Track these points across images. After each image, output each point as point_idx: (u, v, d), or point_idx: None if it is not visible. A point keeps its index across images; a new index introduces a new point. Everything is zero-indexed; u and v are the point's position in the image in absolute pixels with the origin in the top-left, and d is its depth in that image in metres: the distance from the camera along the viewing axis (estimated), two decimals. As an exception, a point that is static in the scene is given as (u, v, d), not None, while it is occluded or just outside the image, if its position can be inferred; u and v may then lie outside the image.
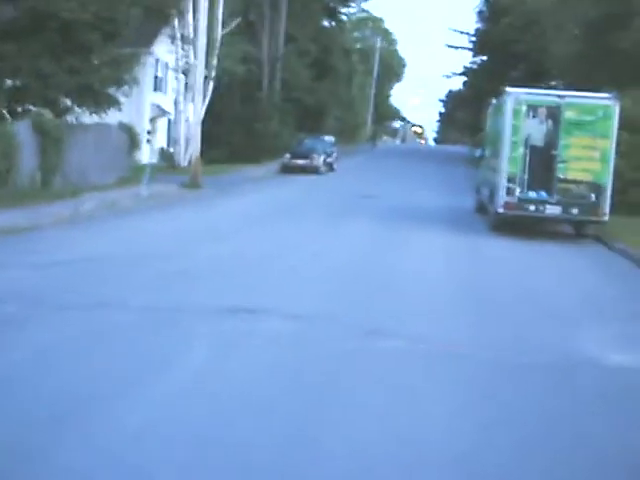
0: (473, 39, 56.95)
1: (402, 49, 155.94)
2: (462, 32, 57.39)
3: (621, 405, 5.69)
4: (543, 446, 4.71)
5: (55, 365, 5.84)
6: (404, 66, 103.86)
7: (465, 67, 61.67)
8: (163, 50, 36.54)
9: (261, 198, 22.34)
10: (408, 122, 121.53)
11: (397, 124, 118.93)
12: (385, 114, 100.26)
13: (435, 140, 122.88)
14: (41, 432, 4.50)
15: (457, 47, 59.09)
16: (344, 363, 6.32)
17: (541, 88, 39.18)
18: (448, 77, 64.89)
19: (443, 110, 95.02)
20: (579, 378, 6.24)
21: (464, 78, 62.98)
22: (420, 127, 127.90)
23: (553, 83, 47.81)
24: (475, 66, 59.02)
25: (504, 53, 51.94)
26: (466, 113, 64.43)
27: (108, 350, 6.34)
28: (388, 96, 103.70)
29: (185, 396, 5.35)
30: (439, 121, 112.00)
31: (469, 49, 58.15)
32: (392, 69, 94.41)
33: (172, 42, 34.26)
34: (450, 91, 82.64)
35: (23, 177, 18.54)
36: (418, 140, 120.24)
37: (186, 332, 6.94)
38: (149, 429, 4.68)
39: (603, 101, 15.42)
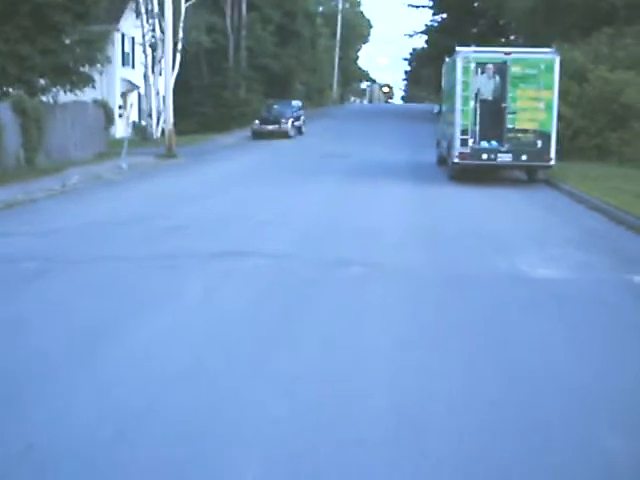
0: (433, -3, 57.88)
1: (367, 10, 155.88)
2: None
3: (540, 300, 7.22)
4: (481, 334, 6.13)
5: (73, 304, 7.15)
6: (370, 27, 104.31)
7: (426, 25, 62.57)
8: (129, 25, 37.32)
9: (234, 164, 23.56)
10: (375, 82, 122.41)
11: (365, 85, 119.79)
12: (352, 76, 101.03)
13: (403, 98, 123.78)
14: (66, 354, 5.82)
15: (417, 6, 59.99)
16: (315, 285, 7.78)
17: (500, 44, 40.49)
18: (410, 36, 65.35)
19: (409, 69, 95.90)
20: (511, 287, 7.72)
21: (426, 37, 63.85)
22: (388, 87, 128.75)
23: (512, 37, 49.14)
24: (436, 24, 59.97)
25: (463, 10, 53.04)
26: (430, 71, 65.52)
27: (116, 289, 7.68)
28: (355, 58, 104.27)
29: (190, 312, 6.82)
30: (405, 80, 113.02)
31: (429, 7, 59.10)
32: (357, 30, 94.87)
33: (137, 17, 35.07)
34: (414, 49, 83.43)
35: (8, 157, 19.56)
36: (385, 100, 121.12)
37: (181, 272, 8.33)
38: (159, 340, 6.05)
39: (545, 55, 16.78)
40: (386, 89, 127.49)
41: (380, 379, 5.14)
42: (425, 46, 67.11)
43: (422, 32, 63.30)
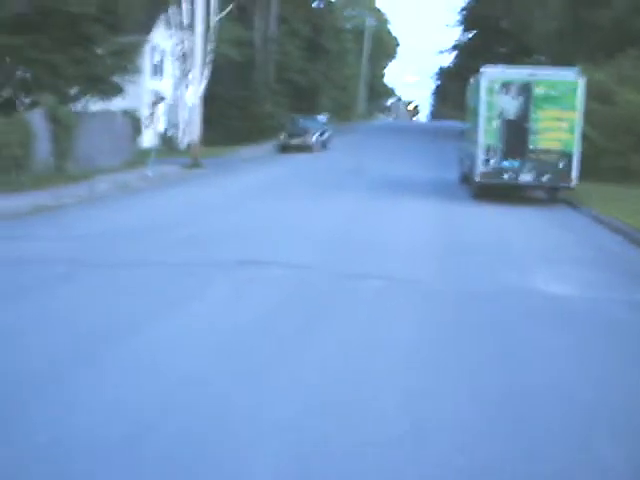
0: (463, 14, 58.25)
1: (394, 28, 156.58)
2: (453, 9, 58.70)
3: (549, 315, 7.45)
4: (489, 340, 6.33)
5: (101, 304, 7.44)
6: (397, 45, 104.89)
7: (455, 43, 62.94)
8: (160, 37, 37.89)
9: (258, 176, 23.88)
10: (401, 99, 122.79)
11: (390, 101, 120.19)
12: (379, 92, 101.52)
13: (431, 115, 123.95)
14: (95, 345, 6.11)
15: (448, 25, 60.44)
16: (333, 295, 8.05)
17: (527, 63, 40.62)
18: (440, 53, 65.81)
19: (437, 86, 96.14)
20: (520, 302, 7.92)
21: (454, 54, 64.22)
22: (412, 104, 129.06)
23: (539, 57, 49.21)
24: (464, 42, 60.29)
25: (491, 29, 53.29)
26: (457, 88, 65.74)
27: (142, 292, 7.98)
28: (382, 75, 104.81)
29: (211, 314, 7.16)
30: (433, 96, 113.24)
31: (460, 23, 59.48)
32: (385, 47, 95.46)
33: (168, 29, 35.68)
34: (442, 67, 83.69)
35: (39, 163, 20.01)
36: (411, 117, 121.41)
37: (204, 279, 8.61)
38: (184, 337, 6.36)
39: (569, 76, 16.93)
40: (411, 106, 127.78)
41: (392, 379, 5.47)
42: (453, 64, 67.50)
43: (451, 49, 63.75)
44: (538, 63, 42.37)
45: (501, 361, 6.01)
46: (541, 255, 10.83)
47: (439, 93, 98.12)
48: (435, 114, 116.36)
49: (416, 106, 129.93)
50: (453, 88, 75.05)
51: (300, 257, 10.03)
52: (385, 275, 9.01)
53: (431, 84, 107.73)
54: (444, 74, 79.35)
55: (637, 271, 9.94)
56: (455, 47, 62.05)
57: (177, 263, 9.42)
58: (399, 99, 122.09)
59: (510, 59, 49.08)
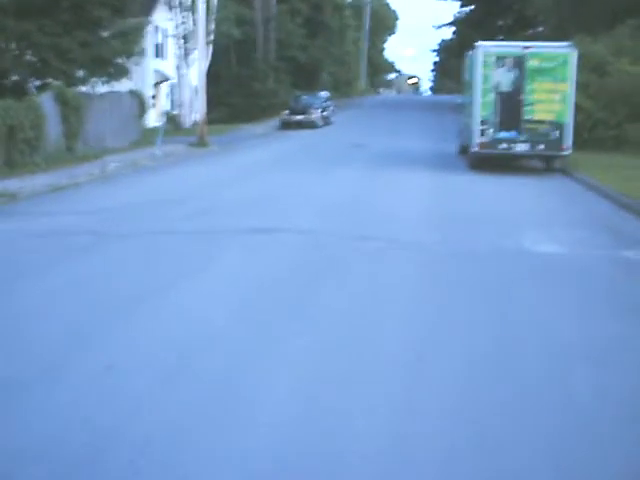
0: (460, -11, 58.31)
1: (394, 1, 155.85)
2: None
3: (538, 271, 8.17)
4: (481, 291, 7.05)
5: (129, 268, 8.20)
6: (397, 19, 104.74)
7: (454, 17, 63.00)
8: (161, 17, 38.35)
9: (264, 152, 24.54)
10: (402, 74, 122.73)
11: (392, 76, 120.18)
12: (380, 67, 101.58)
13: (431, 89, 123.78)
14: (124, 308, 6.84)
15: (445, -1, 60.54)
16: (341, 255, 8.85)
17: (526, 36, 40.86)
18: (438, 28, 65.95)
19: (438, 60, 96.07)
20: (512, 260, 8.65)
21: (454, 28, 64.28)
22: (414, 78, 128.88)
23: (539, 30, 49.43)
24: (464, 16, 60.38)
25: (490, 2, 53.43)
26: (458, 62, 65.82)
27: (164, 257, 8.76)
28: (382, 49, 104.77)
29: (231, 273, 8.00)
30: (434, 71, 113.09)
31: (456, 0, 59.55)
32: (384, 22, 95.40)
33: (170, 10, 36.15)
34: (443, 41, 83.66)
35: (50, 144, 20.67)
36: (413, 91, 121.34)
37: (221, 245, 9.41)
38: (210, 293, 7.18)
39: (562, 49, 17.49)
40: (413, 80, 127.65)
41: (395, 322, 6.30)
42: (453, 38, 67.57)
43: (450, 24, 63.81)
44: (538, 35, 42.79)
45: (491, 303, 6.84)
46: (533, 219, 11.54)
47: (440, 67, 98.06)
48: (436, 88, 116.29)
49: (417, 80, 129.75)
50: (453, 62, 75.26)
51: (308, 223, 10.80)
52: (386, 237, 9.81)
53: (431, 58, 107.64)
54: (444, 48, 79.42)
55: (622, 231, 10.59)
56: (454, 22, 62.11)
57: (193, 231, 10.18)
58: (400, 73, 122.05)
59: (510, 31, 49.48)
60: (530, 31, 48.99)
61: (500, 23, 53.70)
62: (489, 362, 5.36)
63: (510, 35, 46.92)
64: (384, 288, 7.40)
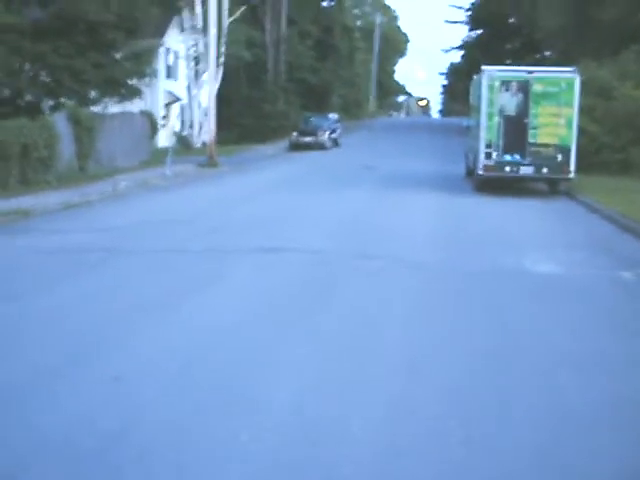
0: (469, 13, 58.90)
1: (404, 24, 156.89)
2: (459, 7, 59.31)
3: (538, 290, 8.45)
4: (480, 305, 7.30)
5: (142, 282, 8.49)
6: (407, 42, 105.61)
7: (463, 41, 63.60)
8: (173, 40, 38.93)
9: (273, 172, 24.87)
10: (412, 96, 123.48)
11: (401, 98, 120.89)
12: (389, 89, 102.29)
13: (440, 112, 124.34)
14: (133, 320, 7.10)
15: (454, 22, 61.14)
16: (346, 272, 9.19)
17: (534, 60, 41.19)
18: (447, 51, 66.59)
19: (447, 83, 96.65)
20: (515, 280, 8.88)
21: (463, 52, 64.85)
22: (424, 100, 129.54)
23: (546, 54, 49.82)
24: (472, 40, 60.93)
25: (498, 27, 53.94)
26: (466, 85, 66.33)
27: (176, 273, 9.09)
28: (392, 72, 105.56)
29: (240, 288, 8.36)
30: (443, 94, 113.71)
31: (465, 23, 60.15)
32: (394, 45, 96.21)
33: (181, 32, 36.74)
34: (451, 64, 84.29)
35: (63, 163, 21.06)
36: (422, 113, 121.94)
37: (230, 262, 9.71)
38: (221, 304, 7.55)
39: (566, 74, 17.82)
40: (422, 102, 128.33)
41: (396, 330, 6.73)
42: (462, 61, 68.10)
43: (458, 47, 64.40)
44: (545, 60, 43.17)
45: (489, 316, 7.25)
46: (536, 241, 11.77)
47: (449, 90, 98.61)
48: (445, 111, 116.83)
49: (427, 103, 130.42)
50: (462, 85, 75.73)
51: (315, 243, 11.10)
52: (391, 256, 10.11)
53: (441, 81, 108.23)
54: (453, 71, 79.99)
55: (622, 253, 10.79)
56: (462, 45, 62.68)
57: (202, 250, 10.45)
58: (410, 96, 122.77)
59: (518, 55, 49.88)
60: (537, 55, 49.45)
61: (508, 47, 54.17)
62: (487, 365, 5.77)
63: (518, 59, 47.29)
64: (386, 302, 7.73)
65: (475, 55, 55.25)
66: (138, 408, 4.89)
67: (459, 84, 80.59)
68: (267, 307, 7.47)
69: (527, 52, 49.65)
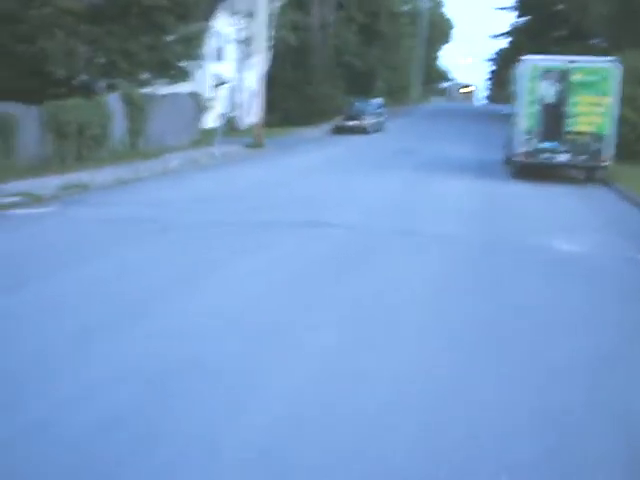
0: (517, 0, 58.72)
1: (450, 10, 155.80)
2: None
3: (560, 265, 9.09)
4: (503, 274, 7.95)
5: (193, 250, 9.33)
6: (452, 27, 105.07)
7: (511, 27, 63.40)
8: (221, 23, 39.73)
9: (317, 155, 25.62)
10: (456, 82, 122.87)
11: (446, 84, 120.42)
12: (434, 75, 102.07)
13: (487, 98, 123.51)
14: (198, 274, 7.89)
15: (503, 8, 61.02)
16: (382, 246, 10.00)
17: (582, 47, 41.10)
18: (495, 37, 66.51)
19: (494, 69, 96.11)
20: (538, 255, 9.60)
21: (510, 38, 64.67)
22: (470, 86, 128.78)
23: (594, 41, 49.53)
24: (520, 26, 60.72)
25: (547, 13, 53.73)
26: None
27: (225, 242, 10.00)
28: (437, 57, 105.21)
29: (283, 256, 9.23)
30: (490, 80, 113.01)
31: (514, 9, 59.96)
32: (440, 31, 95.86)
33: (230, 15, 37.51)
34: (499, 50, 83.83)
35: (115, 141, 22.06)
36: (467, 100, 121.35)
37: (276, 234, 10.61)
38: (266, 270, 8.34)
39: (605, 64, 18.17)
40: (467, 89, 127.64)
41: (422, 296, 7.48)
42: (508, 47, 67.88)
43: (506, 33, 64.24)
44: (593, 47, 43.00)
45: (511, 289, 7.92)
46: (564, 224, 12.38)
47: (496, 76, 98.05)
48: (492, 97, 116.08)
49: (472, 89, 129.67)
50: (509, 71, 75.28)
51: (354, 220, 11.90)
52: (426, 233, 10.91)
53: (487, 67, 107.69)
54: (500, 57, 79.62)
55: (642, 236, 11.38)
56: (509, 32, 62.51)
57: (250, 223, 11.34)
58: (454, 82, 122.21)
59: (565, 43, 49.68)
60: (585, 43, 49.17)
61: (555, 34, 53.92)
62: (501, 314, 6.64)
63: (565, 46, 47.07)
64: (412, 270, 8.63)
65: (522, 42, 55.14)
66: (187, 357, 5.69)
67: (506, 71, 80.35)
68: (309, 273, 8.32)
69: (574, 40, 49.33)
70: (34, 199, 13.33)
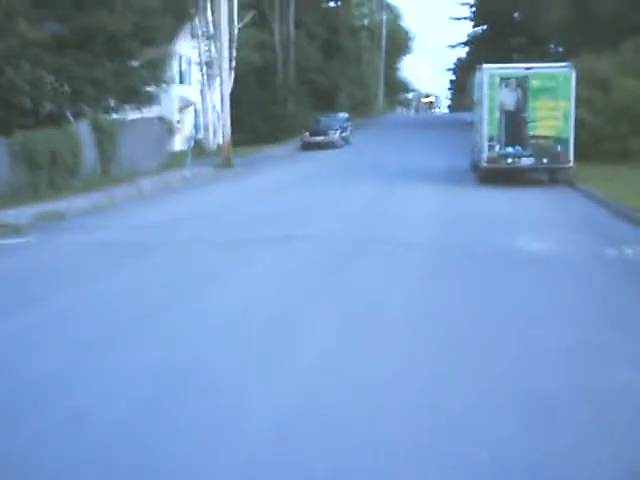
0: (473, 10, 59.81)
1: (409, 22, 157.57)
2: (464, 3, 60.21)
3: (526, 265, 9.50)
4: (475, 277, 8.36)
5: (178, 268, 9.65)
6: (411, 39, 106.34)
7: (468, 36, 64.52)
8: (185, 46, 40.13)
9: (287, 171, 26.01)
10: (419, 92, 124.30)
11: (409, 95, 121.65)
12: (396, 86, 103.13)
13: (449, 108, 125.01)
14: (190, 289, 8.21)
15: (459, 18, 62.09)
16: (354, 255, 10.37)
17: (539, 54, 41.96)
18: (452, 47, 67.63)
19: (454, 78, 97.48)
20: (505, 257, 10.00)
21: (467, 48, 65.80)
22: (431, 96, 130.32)
23: (551, 47, 50.60)
24: (477, 36, 61.82)
25: (503, 22, 54.82)
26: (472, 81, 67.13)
27: (206, 260, 10.32)
28: (398, 69, 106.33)
29: (265, 269, 9.57)
30: (450, 89, 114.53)
31: (470, 19, 61.05)
32: (400, 42, 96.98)
33: (192, 38, 37.90)
34: (458, 59, 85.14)
35: (87, 168, 22.25)
36: (430, 109, 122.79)
37: (253, 250, 10.89)
38: (252, 280, 8.61)
39: (561, 70, 18.82)
40: (429, 99, 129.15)
41: (399, 300, 7.80)
42: (467, 57, 69.01)
43: (463, 43, 65.35)
44: (550, 54, 43.96)
45: (481, 286, 8.34)
46: (532, 224, 12.85)
47: (456, 85, 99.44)
48: (454, 106, 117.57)
49: (434, 99, 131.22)
50: (469, 80, 76.45)
51: (329, 231, 12.34)
52: (394, 242, 11.26)
53: (448, 76, 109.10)
54: (459, 66, 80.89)
55: (611, 234, 11.75)
56: (467, 42, 63.64)
57: (227, 241, 11.62)
58: (417, 92, 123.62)
59: (522, 50, 50.73)
60: (542, 49, 50.16)
61: (513, 41, 54.99)
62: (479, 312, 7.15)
63: (523, 53, 48.13)
64: (387, 276, 8.95)
65: (481, 50, 56.13)
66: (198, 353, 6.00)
67: (466, 79, 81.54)
68: (290, 282, 8.73)
69: (532, 46, 50.38)
70: (11, 229, 13.54)
